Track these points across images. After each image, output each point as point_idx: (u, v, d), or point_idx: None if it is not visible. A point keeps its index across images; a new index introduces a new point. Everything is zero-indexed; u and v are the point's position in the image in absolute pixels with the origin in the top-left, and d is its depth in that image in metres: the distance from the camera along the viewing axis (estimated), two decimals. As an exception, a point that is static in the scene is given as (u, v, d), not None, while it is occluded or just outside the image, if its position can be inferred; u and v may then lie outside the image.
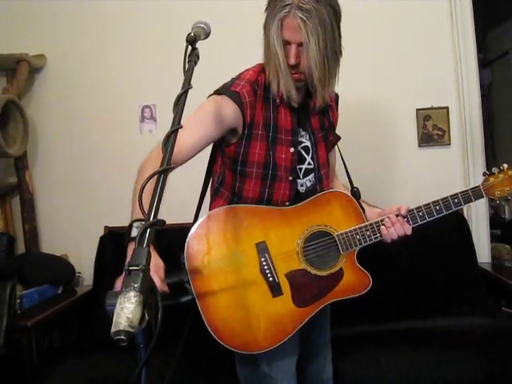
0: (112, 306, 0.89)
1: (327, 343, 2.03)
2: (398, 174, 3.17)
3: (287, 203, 1.77)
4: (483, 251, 3.13)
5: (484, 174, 1.82)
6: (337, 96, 1.94)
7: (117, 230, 3.03)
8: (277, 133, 1.73)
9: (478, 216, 3.13)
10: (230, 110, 1.67)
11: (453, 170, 3.14)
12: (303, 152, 1.80)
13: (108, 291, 0.94)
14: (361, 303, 2.70)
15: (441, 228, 2.82)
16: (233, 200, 1.78)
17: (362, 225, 1.76)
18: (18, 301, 2.90)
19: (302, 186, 1.80)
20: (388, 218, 1.76)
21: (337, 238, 1.74)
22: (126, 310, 0.85)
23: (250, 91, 1.69)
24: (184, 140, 1.55)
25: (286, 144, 1.74)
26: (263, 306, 1.68)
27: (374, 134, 3.17)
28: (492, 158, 4.67)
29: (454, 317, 2.56)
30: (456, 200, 1.76)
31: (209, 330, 1.64)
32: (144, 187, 1.05)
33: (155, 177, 1.14)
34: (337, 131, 1.94)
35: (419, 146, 3.15)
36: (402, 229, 1.75)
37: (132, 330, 0.84)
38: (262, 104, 1.71)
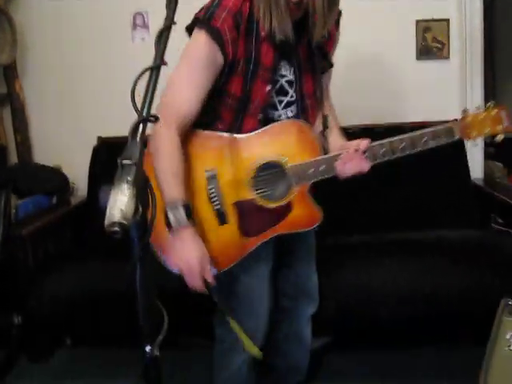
0: (106, 201, 0.89)
1: (311, 248, 2.00)
2: (395, 87, 3.13)
3: None
4: (476, 167, 3.14)
5: (463, 112, 1.69)
6: (339, 14, 1.74)
7: (110, 140, 3.01)
8: (257, 68, 1.61)
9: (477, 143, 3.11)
10: (213, 49, 1.56)
11: (450, 84, 3.10)
12: (286, 85, 1.69)
13: (101, 187, 0.92)
14: (351, 213, 2.79)
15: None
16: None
17: (317, 159, 1.67)
18: (13, 211, 2.92)
19: (280, 116, 1.71)
20: (346, 151, 1.67)
21: (288, 170, 1.66)
22: (120, 202, 0.84)
23: (232, 26, 1.55)
24: (190, 98, 1.56)
25: (263, 80, 1.63)
26: (210, 235, 1.64)
27: (372, 44, 3.09)
28: (491, 72, 4.59)
29: (445, 229, 2.60)
30: (425, 139, 1.66)
31: (157, 253, 1.65)
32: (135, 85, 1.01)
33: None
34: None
35: (417, 58, 3.09)
36: (359, 165, 1.66)
37: (126, 222, 0.84)
38: (244, 38, 1.58)
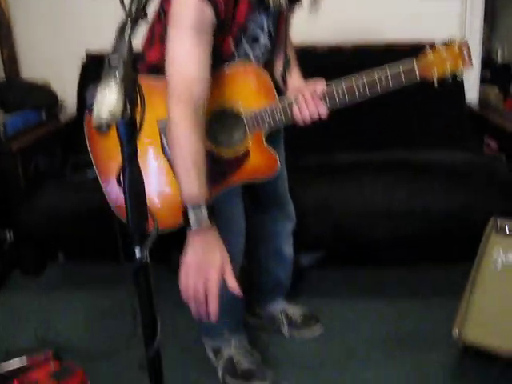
0: (93, 98, 0.86)
1: (282, 165, 1.90)
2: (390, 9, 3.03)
3: None
4: (471, 91, 3.10)
5: (429, 47, 1.58)
6: None
7: (99, 56, 2.92)
8: (230, 24, 1.50)
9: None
10: (208, 12, 1.41)
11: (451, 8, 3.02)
12: (261, 36, 1.61)
13: (90, 83, 0.89)
14: (345, 132, 2.77)
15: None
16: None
17: (273, 106, 1.60)
18: (2, 128, 2.87)
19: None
20: (302, 96, 1.60)
21: (244, 119, 1.60)
22: (107, 99, 0.82)
23: None
24: (200, 77, 1.41)
25: (233, 35, 1.53)
26: (166, 187, 1.60)
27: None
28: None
29: (438, 150, 2.59)
30: (384, 82, 1.59)
31: (115, 212, 1.64)
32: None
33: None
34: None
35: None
36: (316, 110, 1.60)
37: (113, 120, 0.82)
38: None
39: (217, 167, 1.59)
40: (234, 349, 1.96)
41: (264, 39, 1.62)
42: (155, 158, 1.60)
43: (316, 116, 1.61)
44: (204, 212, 1.31)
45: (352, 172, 2.40)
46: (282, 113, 1.61)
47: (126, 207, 0.91)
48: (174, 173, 1.38)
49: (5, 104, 2.94)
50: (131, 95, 0.87)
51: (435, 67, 1.59)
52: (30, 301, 2.54)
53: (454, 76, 1.63)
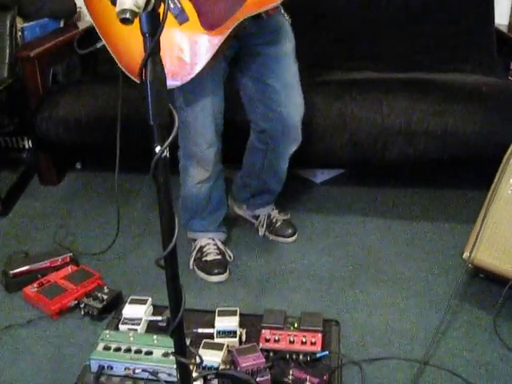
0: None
1: (289, 87, 1.89)
2: None
3: None
4: (502, 15, 2.98)
5: None
6: None
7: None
8: None
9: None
10: None
11: None
12: None
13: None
14: (368, 50, 2.71)
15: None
16: None
17: None
18: (20, 33, 2.84)
19: None
20: None
21: None
22: (131, -10, 0.80)
23: None
24: None
25: None
26: (172, 37, 1.58)
27: None
28: None
29: (462, 72, 2.53)
30: None
31: (123, 70, 1.64)
32: None
33: None
34: None
35: None
36: None
37: (137, 10, 0.81)
38: None
39: (222, 3, 1.54)
40: (205, 242, 2.11)
41: None
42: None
43: None
44: None
45: (371, 89, 2.35)
46: None
47: (148, 101, 0.90)
48: None
49: (23, 12, 2.90)
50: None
51: None
52: (48, 208, 2.60)
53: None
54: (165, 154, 0.95)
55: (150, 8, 0.84)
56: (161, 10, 0.90)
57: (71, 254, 2.11)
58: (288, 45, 1.86)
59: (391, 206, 2.52)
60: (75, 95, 2.53)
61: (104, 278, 2.01)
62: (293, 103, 1.92)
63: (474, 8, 2.72)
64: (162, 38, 1.50)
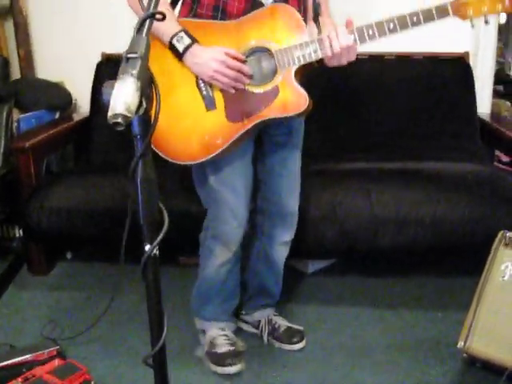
0: (109, 95, 0.87)
1: (293, 176, 1.99)
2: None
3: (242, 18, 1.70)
4: (484, 104, 3.08)
5: None
6: None
7: (114, 56, 2.95)
8: None
9: (483, 66, 3.04)
10: None
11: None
12: None
13: (105, 81, 0.91)
14: (355, 141, 2.79)
15: (443, 71, 2.79)
16: (192, 7, 1.74)
17: (303, 41, 1.65)
18: (15, 124, 2.91)
19: None
20: (334, 29, 1.63)
21: (275, 54, 1.67)
22: (124, 95, 0.83)
23: None
24: None
25: None
26: (197, 120, 1.72)
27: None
28: None
29: (448, 161, 2.59)
30: (415, 18, 1.59)
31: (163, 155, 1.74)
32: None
33: None
34: None
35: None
36: (346, 43, 1.61)
37: (129, 115, 0.83)
38: None
39: (248, 102, 1.70)
40: (216, 333, 2.06)
41: None
42: (190, 94, 1.72)
43: (346, 51, 1.63)
44: (183, 34, 1.63)
45: (360, 179, 2.39)
46: (312, 47, 1.65)
47: (138, 201, 0.92)
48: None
49: (20, 103, 2.98)
50: (147, 91, 0.88)
51: (471, 8, 1.58)
52: (37, 299, 2.55)
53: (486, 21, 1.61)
54: (154, 252, 0.95)
55: (141, 111, 0.87)
56: (153, 112, 0.93)
57: (58, 348, 2.06)
58: (300, 135, 1.97)
59: (383, 295, 2.50)
60: (67, 186, 2.55)
61: (92, 371, 1.95)
62: (294, 191, 2.01)
63: (457, 99, 2.83)
64: (187, 119, 1.71)
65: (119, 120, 0.82)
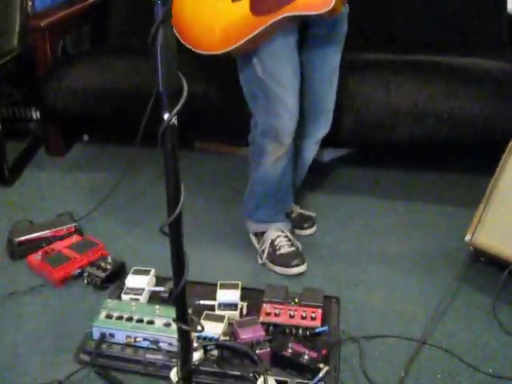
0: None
1: (332, 71, 1.95)
2: None
3: None
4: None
5: None
6: None
7: None
8: None
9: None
10: None
11: None
12: None
13: None
14: (381, 32, 2.71)
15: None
16: None
17: None
18: (30, 3, 2.84)
19: None
20: None
21: None
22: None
23: None
24: None
25: None
26: (222, 10, 1.69)
27: None
28: None
29: (472, 57, 2.52)
30: None
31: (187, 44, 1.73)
32: None
33: None
34: None
35: None
36: None
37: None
38: None
39: None
40: (275, 234, 2.03)
41: None
42: None
43: None
44: None
45: (380, 70, 2.34)
46: None
47: (158, 68, 0.91)
48: None
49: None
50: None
51: None
52: (54, 178, 2.62)
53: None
54: (173, 121, 0.96)
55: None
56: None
57: (76, 224, 2.13)
58: (343, 32, 1.90)
59: (396, 188, 2.53)
60: (84, 66, 2.53)
61: (108, 248, 2.02)
62: (332, 88, 1.97)
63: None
64: (212, 7, 1.68)
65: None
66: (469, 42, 2.70)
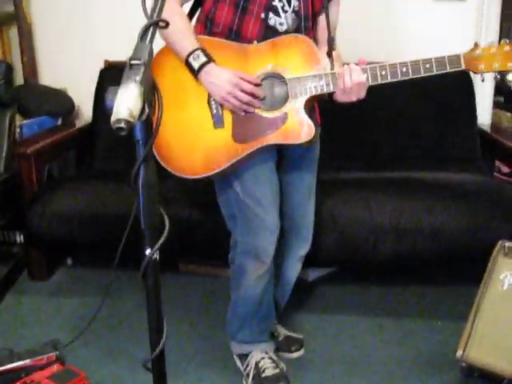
0: (112, 101, 0.88)
1: (310, 189, 2.00)
2: (409, 28, 3.05)
3: (255, 41, 1.72)
4: (484, 115, 3.10)
5: (474, 45, 1.65)
6: None
7: (117, 64, 2.98)
8: None
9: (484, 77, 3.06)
10: None
11: (466, 26, 3.03)
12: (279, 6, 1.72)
13: (108, 87, 0.92)
14: (356, 151, 2.81)
15: (443, 82, 2.79)
16: (207, 25, 1.77)
17: (317, 73, 1.69)
18: (18, 130, 2.92)
19: (281, 24, 1.73)
20: (347, 66, 1.67)
21: (288, 82, 1.69)
22: (127, 100, 0.84)
23: None
24: None
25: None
26: (204, 136, 1.74)
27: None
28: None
29: (448, 171, 2.60)
30: (427, 65, 1.64)
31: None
32: None
33: None
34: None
35: (433, -1, 3.02)
36: (358, 79, 1.63)
37: (132, 120, 0.84)
38: None
39: (256, 125, 1.71)
40: (259, 356, 1.99)
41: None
42: (200, 110, 1.74)
43: (356, 88, 1.65)
44: (199, 52, 1.65)
45: (360, 189, 2.40)
46: (325, 80, 1.68)
47: (140, 205, 0.93)
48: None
49: (23, 109, 3.00)
50: (149, 98, 0.89)
51: (483, 63, 1.64)
52: (37, 304, 2.56)
53: (503, 78, 1.67)
54: (155, 256, 0.96)
55: (144, 117, 0.89)
56: (155, 119, 0.94)
57: (57, 353, 2.06)
58: (317, 151, 1.98)
59: (383, 304, 2.51)
60: (69, 192, 2.56)
61: (91, 377, 1.95)
62: (311, 204, 2.01)
63: (457, 110, 2.85)
64: (194, 133, 1.73)
65: (122, 125, 0.83)
66: (444, 156, 2.79)
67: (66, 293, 2.67)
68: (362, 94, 1.67)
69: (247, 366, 1.99)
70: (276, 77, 1.71)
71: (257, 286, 1.90)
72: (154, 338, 1.00)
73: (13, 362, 1.98)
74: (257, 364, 1.97)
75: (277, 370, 1.95)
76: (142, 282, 1.00)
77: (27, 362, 2.00)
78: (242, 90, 1.66)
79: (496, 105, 3.55)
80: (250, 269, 1.88)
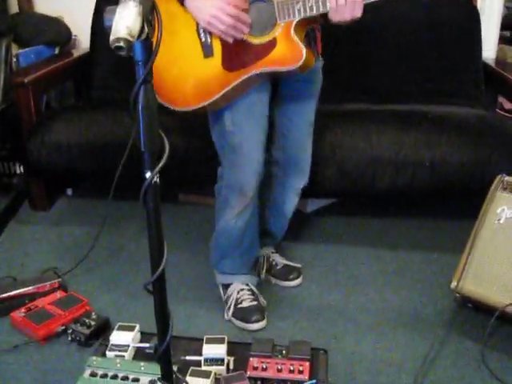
0: (111, 20, 0.87)
1: (309, 125, 1.98)
2: None
3: None
4: (489, 48, 3.05)
5: None
6: None
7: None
8: None
9: (491, 10, 2.99)
10: None
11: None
12: None
13: (106, 7, 0.90)
14: (359, 83, 2.78)
15: (449, 13, 2.75)
16: None
17: None
18: (15, 59, 2.87)
19: None
20: None
21: (276, 5, 1.63)
22: (126, 19, 0.83)
23: None
24: None
25: None
26: (194, 66, 1.72)
27: None
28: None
29: (450, 105, 2.58)
30: None
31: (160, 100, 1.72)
32: None
33: None
34: None
35: None
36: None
37: (131, 39, 0.83)
38: None
39: (245, 52, 1.68)
40: (240, 287, 2.01)
41: None
42: (189, 39, 1.71)
43: (351, 6, 1.55)
44: None
45: (361, 120, 2.39)
46: (314, 2, 1.59)
47: (139, 128, 0.92)
48: None
49: (19, 39, 2.94)
50: (149, 17, 0.87)
51: None
52: (38, 234, 2.59)
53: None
54: (155, 179, 0.96)
55: (143, 37, 0.87)
56: (154, 40, 0.93)
57: (60, 280, 2.11)
58: (318, 86, 1.94)
59: (380, 236, 2.54)
60: (68, 121, 2.54)
61: (92, 304, 2.00)
62: (309, 140, 2.00)
63: (462, 43, 2.79)
64: (184, 64, 1.69)
65: (121, 44, 0.82)
66: (447, 90, 2.76)
67: (66, 222, 2.70)
68: (357, 13, 1.57)
69: (228, 297, 2.01)
70: (264, 0, 1.65)
71: (237, 221, 1.91)
72: (154, 259, 1.02)
73: (16, 289, 2.02)
74: (236, 294, 1.99)
75: (254, 303, 1.97)
76: (143, 206, 1.00)
77: (30, 288, 2.04)
78: (227, 14, 1.61)
79: (502, 40, 3.49)
80: (233, 202, 1.89)
